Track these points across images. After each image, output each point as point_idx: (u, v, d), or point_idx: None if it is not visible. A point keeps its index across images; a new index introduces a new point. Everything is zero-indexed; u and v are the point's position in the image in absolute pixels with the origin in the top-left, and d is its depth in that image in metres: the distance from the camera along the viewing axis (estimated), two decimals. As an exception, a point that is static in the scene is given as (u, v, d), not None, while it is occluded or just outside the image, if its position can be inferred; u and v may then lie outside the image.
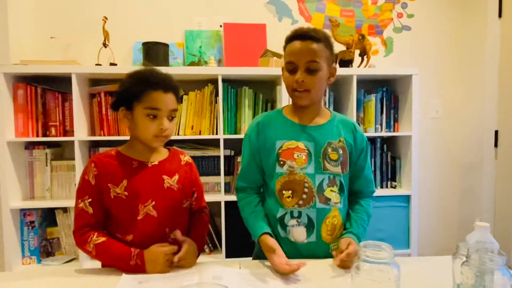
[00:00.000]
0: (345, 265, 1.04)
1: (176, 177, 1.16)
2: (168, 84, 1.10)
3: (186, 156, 1.25)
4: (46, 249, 1.97)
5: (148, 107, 1.06)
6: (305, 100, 1.15)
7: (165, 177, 1.14)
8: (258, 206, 1.20)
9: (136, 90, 1.07)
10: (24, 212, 1.89)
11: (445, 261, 0.92)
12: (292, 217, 1.14)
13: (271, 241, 1.07)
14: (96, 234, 1.06)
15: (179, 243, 1.10)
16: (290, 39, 1.15)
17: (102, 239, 1.06)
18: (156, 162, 1.15)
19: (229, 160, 2.09)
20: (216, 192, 2.03)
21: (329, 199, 1.14)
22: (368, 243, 0.76)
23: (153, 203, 1.10)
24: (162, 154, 1.20)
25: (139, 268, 1.02)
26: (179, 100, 1.16)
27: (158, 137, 1.09)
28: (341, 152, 1.17)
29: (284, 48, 1.17)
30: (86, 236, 1.06)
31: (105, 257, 1.07)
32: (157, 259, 1.02)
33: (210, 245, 2.04)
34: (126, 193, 1.08)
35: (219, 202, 1.95)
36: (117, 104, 1.12)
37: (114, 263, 1.06)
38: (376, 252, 0.73)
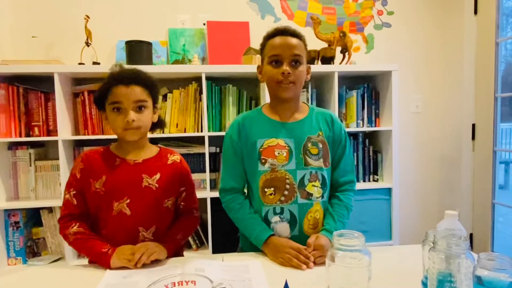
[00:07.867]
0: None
1: (157, 176, 1.17)
2: (131, 78, 1.12)
3: (174, 156, 1.25)
4: (32, 249, 1.97)
5: (111, 102, 1.11)
6: (290, 92, 1.16)
7: (144, 175, 1.15)
8: (252, 208, 1.22)
9: (103, 91, 1.13)
10: (8, 212, 1.88)
11: (417, 248, 0.96)
12: (275, 213, 1.16)
13: (280, 240, 1.12)
14: (78, 224, 1.13)
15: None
16: (271, 35, 1.17)
17: (81, 229, 1.12)
18: (140, 160, 1.17)
19: (214, 157, 2.11)
20: (202, 189, 2.05)
21: (311, 194, 1.16)
22: (341, 232, 0.80)
23: (128, 201, 1.13)
24: (150, 152, 1.21)
25: (105, 258, 1.04)
26: (151, 91, 1.16)
27: (127, 130, 1.11)
28: (321, 146, 1.19)
29: (263, 45, 1.19)
30: (68, 224, 1.13)
31: (81, 247, 1.12)
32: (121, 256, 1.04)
33: (197, 241, 2.07)
34: (103, 188, 1.12)
35: (205, 199, 1.97)
36: (98, 108, 1.18)
37: (86, 252, 1.11)
38: (349, 240, 0.77)
